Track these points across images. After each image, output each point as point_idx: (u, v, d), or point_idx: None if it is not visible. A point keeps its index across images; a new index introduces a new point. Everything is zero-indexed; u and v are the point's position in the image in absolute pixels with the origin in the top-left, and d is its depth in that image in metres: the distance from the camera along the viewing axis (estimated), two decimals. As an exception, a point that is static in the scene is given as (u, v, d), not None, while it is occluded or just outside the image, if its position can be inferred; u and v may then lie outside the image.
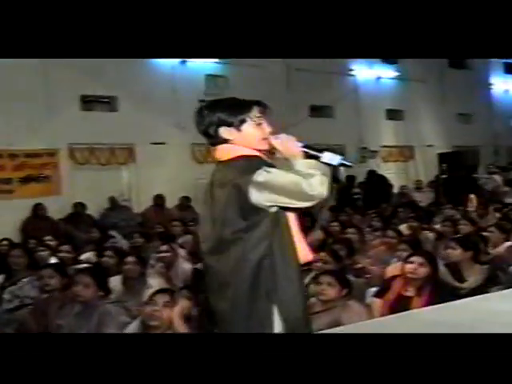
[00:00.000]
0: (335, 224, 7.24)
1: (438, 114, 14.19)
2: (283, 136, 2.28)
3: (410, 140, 13.84)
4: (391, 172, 13.33)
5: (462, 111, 14.88)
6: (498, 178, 13.09)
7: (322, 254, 4.62)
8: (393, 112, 13.65)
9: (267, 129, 2.29)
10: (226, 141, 2.28)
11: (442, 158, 13.26)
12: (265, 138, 2.29)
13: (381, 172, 12.58)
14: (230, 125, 2.27)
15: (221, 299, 2.24)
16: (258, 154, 2.28)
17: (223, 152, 2.29)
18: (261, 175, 2.14)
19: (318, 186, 2.12)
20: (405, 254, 4.50)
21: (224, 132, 2.28)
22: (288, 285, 2.21)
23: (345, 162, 2.27)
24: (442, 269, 4.54)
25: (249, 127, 2.28)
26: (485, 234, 5.98)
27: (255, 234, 2.19)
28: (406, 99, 13.52)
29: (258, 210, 2.17)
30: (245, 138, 2.28)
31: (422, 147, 13.98)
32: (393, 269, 4.61)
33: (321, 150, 2.26)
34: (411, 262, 3.95)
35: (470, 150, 13.91)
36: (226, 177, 2.21)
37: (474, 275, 4.56)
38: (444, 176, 12.34)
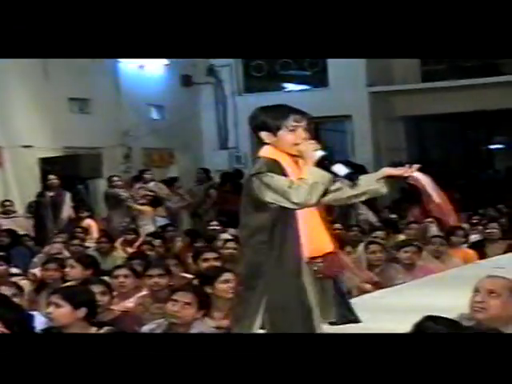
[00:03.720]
0: None
1: (42, 96, 14.23)
2: (306, 143, 3.90)
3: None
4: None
5: (74, 94, 15.32)
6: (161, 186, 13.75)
7: None
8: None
9: (301, 135, 3.92)
10: (267, 143, 3.99)
11: (47, 164, 13.28)
12: (297, 144, 3.91)
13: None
14: (268, 130, 3.96)
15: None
16: (276, 158, 3.94)
17: (262, 151, 4.01)
18: (265, 178, 3.83)
19: (303, 194, 3.76)
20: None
21: (264, 135, 3.99)
22: (279, 279, 3.89)
23: (349, 172, 3.85)
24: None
25: (283, 133, 3.93)
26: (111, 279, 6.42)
27: (258, 226, 3.91)
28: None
29: (263, 205, 3.86)
30: (279, 142, 3.95)
31: (14, 149, 13.82)
32: None
33: (335, 162, 3.86)
34: None
35: (87, 153, 14.23)
36: (249, 171, 3.99)
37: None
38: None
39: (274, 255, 3.89)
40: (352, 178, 3.88)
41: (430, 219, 10.04)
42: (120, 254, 9.49)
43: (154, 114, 17.60)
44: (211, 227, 11.01)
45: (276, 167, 3.91)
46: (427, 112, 18.11)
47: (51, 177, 12.49)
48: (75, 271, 6.89)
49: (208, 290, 5.68)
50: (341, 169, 3.87)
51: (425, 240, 9.22)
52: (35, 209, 12.61)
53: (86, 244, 10.22)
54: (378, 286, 7.20)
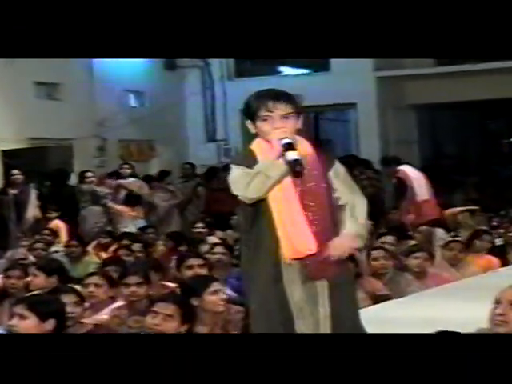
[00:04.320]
0: None
1: (4, 80, 14.29)
2: (274, 132, 4.04)
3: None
4: None
5: (41, 78, 15.31)
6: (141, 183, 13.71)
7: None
8: None
9: (275, 124, 4.05)
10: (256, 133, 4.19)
11: (10, 158, 13.30)
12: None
13: None
14: (250, 119, 4.13)
15: None
16: (257, 148, 4.11)
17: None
18: (232, 171, 4.06)
19: (242, 185, 3.96)
20: None
21: (248, 125, 4.15)
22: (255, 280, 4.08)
23: (294, 159, 3.95)
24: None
25: (259, 123, 4.09)
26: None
27: (241, 226, 4.30)
28: None
29: (243, 203, 4.04)
30: (259, 132, 4.11)
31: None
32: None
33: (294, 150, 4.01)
34: None
35: (56, 145, 14.24)
36: None
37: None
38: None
39: (250, 257, 4.10)
40: (295, 166, 3.95)
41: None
42: (93, 259, 9.50)
43: (133, 101, 17.60)
44: (196, 230, 11.00)
45: (248, 159, 4.09)
46: (441, 100, 18.15)
47: (15, 172, 12.49)
48: (38, 279, 6.91)
49: (194, 302, 5.67)
50: (290, 155, 4.00)
51: (431, 244, 9.21)
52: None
53: (55, 248, 10.21)
54: (380, 299, 7.17)
